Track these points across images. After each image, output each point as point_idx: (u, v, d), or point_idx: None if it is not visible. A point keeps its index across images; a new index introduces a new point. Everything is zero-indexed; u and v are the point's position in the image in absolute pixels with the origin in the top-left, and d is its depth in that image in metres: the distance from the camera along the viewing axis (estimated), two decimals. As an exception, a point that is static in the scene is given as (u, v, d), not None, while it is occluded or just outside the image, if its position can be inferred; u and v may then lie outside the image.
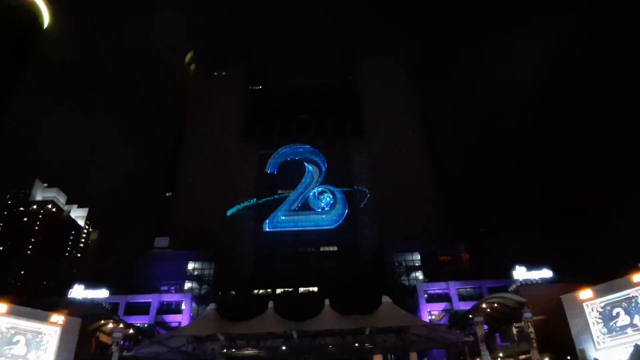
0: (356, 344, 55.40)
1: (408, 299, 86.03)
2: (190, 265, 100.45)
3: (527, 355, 54.70)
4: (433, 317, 79.71)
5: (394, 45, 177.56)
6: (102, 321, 60.96)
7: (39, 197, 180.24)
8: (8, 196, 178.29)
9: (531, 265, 71.54)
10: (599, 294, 49.74)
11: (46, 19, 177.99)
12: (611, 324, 47.56)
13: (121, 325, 55.34)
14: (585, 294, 50.51)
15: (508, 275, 72.54)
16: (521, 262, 72.61)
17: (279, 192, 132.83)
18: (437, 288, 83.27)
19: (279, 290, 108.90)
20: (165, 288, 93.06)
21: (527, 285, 66.01)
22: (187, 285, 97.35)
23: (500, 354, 57.87)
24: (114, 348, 52.02)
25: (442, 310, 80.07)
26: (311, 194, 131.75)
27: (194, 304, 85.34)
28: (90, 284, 78.97)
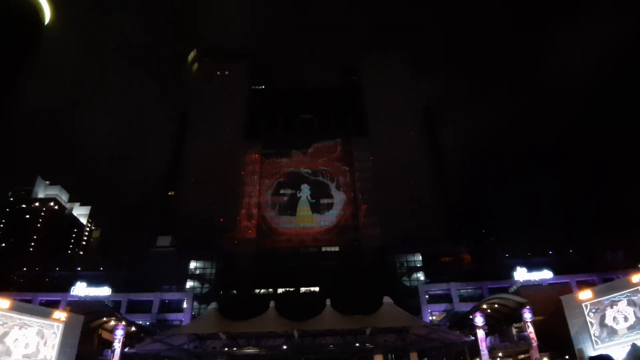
0: (357, 344, 55.64)
1: (409, 300, 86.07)
2: (192, 264, 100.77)
3: (526, 355, 54.87)
4: (434, 317, 79.84)
5: (397, 45, 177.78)
6: (104, 318, 61.32)
7: (41, 195, 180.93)
8: (10, 193, 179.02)
9: (532, 266, 71.62)
10: (598, 294, 49.83)
11: (47, 15, 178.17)
12: (609, 323, 47.70)
13: (123, 323, 55.54)
14: (585, 294, 50.59)
15: (509, 276, 72.62)
16: (522, 264, 72.75)
17: (281, 191, 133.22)
18: (438, 289, 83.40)
19: (280, 290, 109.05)
20: (166, 287, 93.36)
21: (527, 286, 66.06)
22: (189, 284, 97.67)
23: (500, 354, 58.00)
24: (116, 345, 52.33)
25: (443, 311, 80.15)
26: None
27: (195, 303, 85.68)
28: (93, 281, 79.39)
